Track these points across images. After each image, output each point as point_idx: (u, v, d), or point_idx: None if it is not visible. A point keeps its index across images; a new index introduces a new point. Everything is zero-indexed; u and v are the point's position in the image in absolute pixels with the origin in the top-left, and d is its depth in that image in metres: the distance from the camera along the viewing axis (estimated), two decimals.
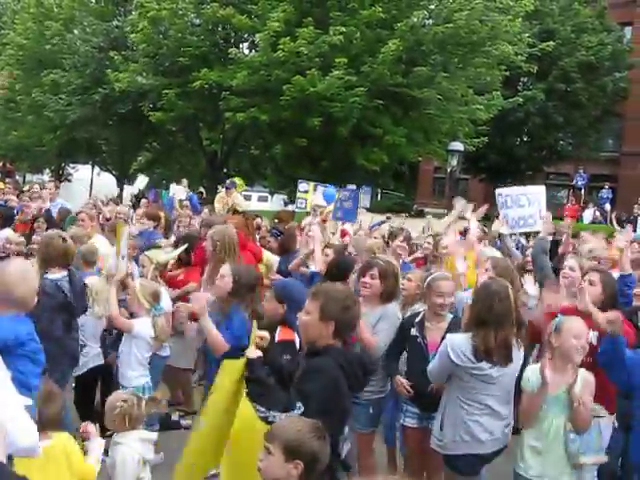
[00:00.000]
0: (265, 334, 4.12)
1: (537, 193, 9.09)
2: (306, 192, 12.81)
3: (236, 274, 5.33)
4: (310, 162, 21.03)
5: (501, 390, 4.42)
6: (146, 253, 7.04)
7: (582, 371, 4.26)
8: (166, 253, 7.36)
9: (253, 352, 3.73)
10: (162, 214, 9.35)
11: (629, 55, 35.88)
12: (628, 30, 38.67)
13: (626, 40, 37.24)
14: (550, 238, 8.13)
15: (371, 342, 5.05)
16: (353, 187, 17.36)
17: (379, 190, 36.85)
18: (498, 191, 9.32)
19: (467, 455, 4.42)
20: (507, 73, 23.80)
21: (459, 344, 4.35)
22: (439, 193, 37.60)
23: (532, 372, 4.36)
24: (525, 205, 8.91)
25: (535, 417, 4.25)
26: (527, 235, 10.93)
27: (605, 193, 28.99)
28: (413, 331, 5.18)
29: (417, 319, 5.24)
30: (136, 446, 4.27)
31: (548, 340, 4.38)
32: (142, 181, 33.00)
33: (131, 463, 4.21)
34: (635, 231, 20.53)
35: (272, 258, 8.40)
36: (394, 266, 5.57)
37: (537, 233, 8.92)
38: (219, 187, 23.86)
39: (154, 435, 4.47)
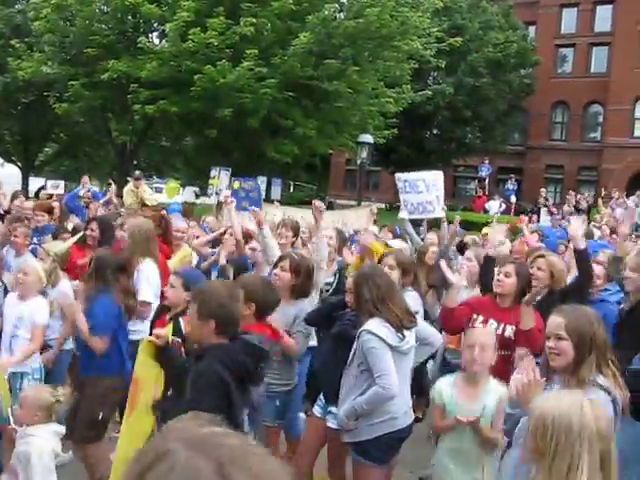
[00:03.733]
0: (162, 332, 4.16)
1: (434, 179, 9.22)
2: (214, 178, 12.61)
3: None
4: (221, 153, 20.86)
5: (413, 353, 4.56)
6: (43, 245, 6.89)
7: (497, 386, 4.31)
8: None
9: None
10: (56, 205, 9.10)
11: (533, 53, 37.26)
12: (532, 29, 40.15)
13: (530, 39, 38.61)
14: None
15: (291, 346, 5.10)
16: (262, 180, 17.33)
17: (291, 182, 36.92)
18: (397, 176, 9.42)
19: (384, 436, 4.40)
20: (417, 67, 24.22)
21: (382, 328, 4.33)
22: (351, 185, 37.99)
23: (445, 386, 4.44)
24: (423, 191, 9.02)
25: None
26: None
27: (510, 185, 29.90)
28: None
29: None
30: (51, 439, 4.22)
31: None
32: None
33: (47, 455, 4.15)
34: (539, 222, 21.40)
35: (188, 251, 8.11)
36: (309, 262, 5.57)
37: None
38: (129, 179, 23.35)
39: (63, 428, 4.42)
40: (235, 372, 3.54)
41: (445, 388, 4.40)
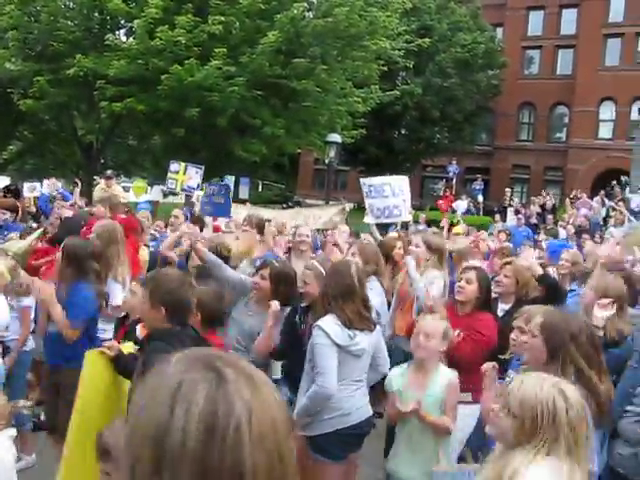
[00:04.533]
0: (114, 344, 4.20)
1: (400, 184, 9.25)
2: (177, 172, 12.52)
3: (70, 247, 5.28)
4: (189, 153, 20.68)
5: (368, 359, 4.53)
6: (2, 246, 6.78)
7: (446, 373, 4.34)
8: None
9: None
10: (19, 203, 8.99)
11: (500, 54, 37.66)
12: (499, 31, 40.57)
13: (497, 40, 39.01)
14: None
15: (262, 347, 5.07)
16: (229, 180, 17.22)
17: (260, 181, 36.82)
18: (362, 181, 9.43)
19: (336, 432, 4.37)
20: (385, 68, 24.28)
21: (334, 326, 4.32)
22: (319, 184, 38.02)
23: (396, 375, 4.45)
24: (389, 195, 9.06)
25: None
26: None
27: (477, 185, 30.15)
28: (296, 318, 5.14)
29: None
30: (9, 446, 4.14)
31: None
32: None
33: (10, 464, 4.07)
34: (505, 221, 21.63)
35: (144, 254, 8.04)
36: (290, 270, 5.53)
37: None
38: (96, 178, 23.10)
39: (14, 431, 4.34)
40: None
41: (396, 377, 4.43)
